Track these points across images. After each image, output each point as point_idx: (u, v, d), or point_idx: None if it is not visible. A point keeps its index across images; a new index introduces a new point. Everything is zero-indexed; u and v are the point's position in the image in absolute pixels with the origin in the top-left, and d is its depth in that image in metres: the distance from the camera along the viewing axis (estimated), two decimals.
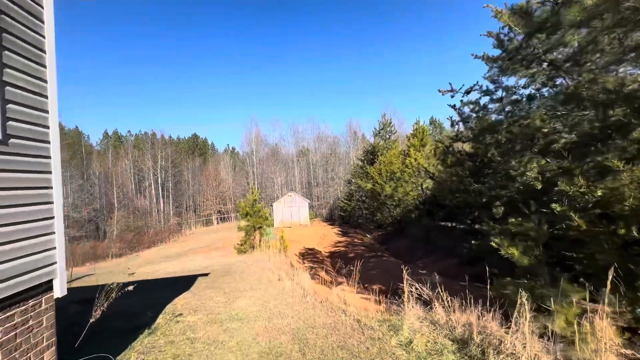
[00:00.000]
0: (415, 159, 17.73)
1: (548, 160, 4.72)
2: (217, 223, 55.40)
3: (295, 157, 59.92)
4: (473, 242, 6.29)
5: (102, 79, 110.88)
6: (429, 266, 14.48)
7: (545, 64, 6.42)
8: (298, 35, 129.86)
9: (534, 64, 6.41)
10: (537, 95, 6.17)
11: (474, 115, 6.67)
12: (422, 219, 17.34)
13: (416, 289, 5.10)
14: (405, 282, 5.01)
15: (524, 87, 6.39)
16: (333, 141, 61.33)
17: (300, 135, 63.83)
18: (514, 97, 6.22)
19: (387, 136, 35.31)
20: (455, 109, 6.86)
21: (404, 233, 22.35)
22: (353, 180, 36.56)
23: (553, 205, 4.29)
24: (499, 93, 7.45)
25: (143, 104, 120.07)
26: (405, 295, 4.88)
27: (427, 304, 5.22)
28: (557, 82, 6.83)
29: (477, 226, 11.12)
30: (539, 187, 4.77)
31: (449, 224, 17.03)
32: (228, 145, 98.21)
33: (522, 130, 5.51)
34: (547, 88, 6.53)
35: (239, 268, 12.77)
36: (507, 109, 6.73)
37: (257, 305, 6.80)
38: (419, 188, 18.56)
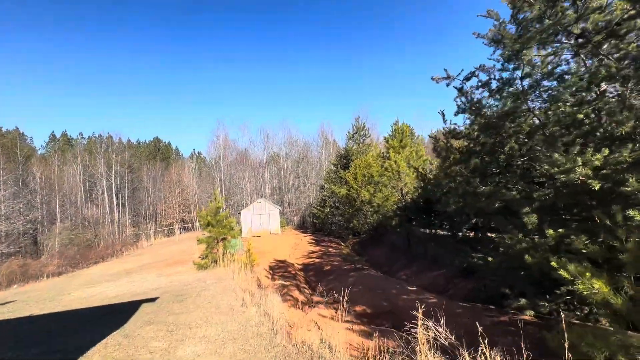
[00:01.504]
0: (395, 162, 16.68)
1: (610, 151, 3.46)
2: (180, 233, 51.23)
3: (266, 162, 57.45)
4: (490, 258, 4.94)
5: (52, 79, 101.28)
6: (412, 278, 13.24)
7: (566, 40, 5.35)
8: (268, 37, 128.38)
9: (554, 37, 5.32)
10: (563, 74, 5.04)
11: (486, 100, 5.43)
12: (402, 225, 16.21)
13: (434, 335, 3.58)
14: (419, 323, 3.47)
15: (545, 66, 5.23)
16: (304, 146, 59.79)
17: (271, 140, 61.57)
18: (536, 76, 5.04)
19: (361, 140, 34.40)
20: (462, 93, 5.59)
21: (382, 241, 21.17)
22: (326, 186, 35.10)
23: (631, 212, 2.98)
24: (495, 81, 6.36)
25: (100, 106, 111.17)
26: (422, 347, 3.33)
27: (446, 352, 3.73)
28: (569, 64, 5.83)
29: (480, 234, 10.11)
30: (597, 187, 3.49)
31: (430, 232, 16.04)
32: (194, 150, 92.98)
33: (557, 115, 4.26)
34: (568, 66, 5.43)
35: (196, 289, 10.63)
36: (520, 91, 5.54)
37: (208, 353, 4.93)
38: (399, 192, 17.44)
